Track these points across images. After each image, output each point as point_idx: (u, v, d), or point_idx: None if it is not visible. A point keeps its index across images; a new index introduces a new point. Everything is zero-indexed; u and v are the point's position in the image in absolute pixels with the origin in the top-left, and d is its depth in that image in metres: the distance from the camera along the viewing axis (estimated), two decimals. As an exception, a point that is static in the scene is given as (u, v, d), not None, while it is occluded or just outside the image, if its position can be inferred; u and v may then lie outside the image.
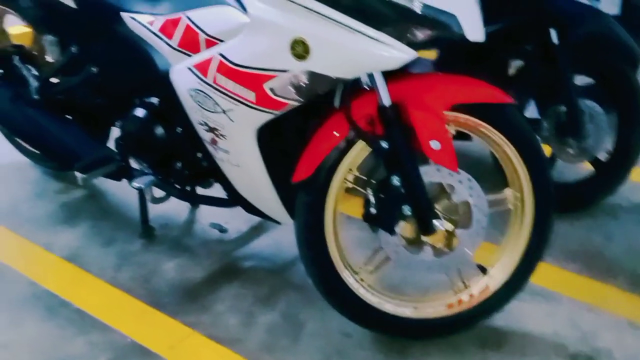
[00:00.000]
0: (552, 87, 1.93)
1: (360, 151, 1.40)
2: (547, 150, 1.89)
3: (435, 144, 1.32)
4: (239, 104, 1.31)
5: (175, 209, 1.92)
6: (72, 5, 1.57)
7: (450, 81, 1.38)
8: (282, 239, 1.88)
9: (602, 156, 2.03)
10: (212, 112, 1.36)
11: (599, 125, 1.96)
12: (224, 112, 1.34)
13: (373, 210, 1.38)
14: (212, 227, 1.94)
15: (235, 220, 1.95)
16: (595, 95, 1.99)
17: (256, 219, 1.72)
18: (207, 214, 1.98)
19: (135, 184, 1.59)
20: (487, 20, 1.30)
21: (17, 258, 1.80)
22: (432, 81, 1.38)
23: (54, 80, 1.79)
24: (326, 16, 1.17)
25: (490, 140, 1.44)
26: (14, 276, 1.73)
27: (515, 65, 2.03)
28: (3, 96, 1.76)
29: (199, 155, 1.54)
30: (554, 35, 1.83)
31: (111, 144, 1.75)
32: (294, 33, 1.18)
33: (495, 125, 1.41)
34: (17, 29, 2.17)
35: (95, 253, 1.83)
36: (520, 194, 1.48)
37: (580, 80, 1.98)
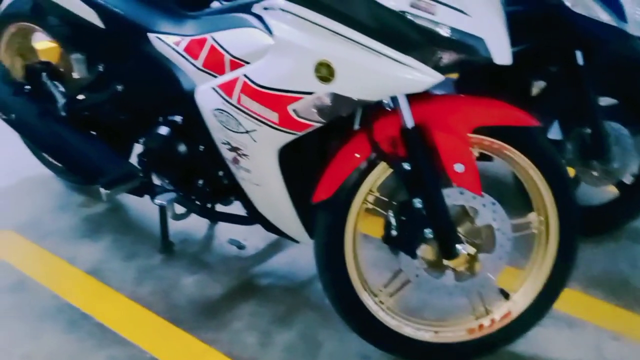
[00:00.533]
0: (576, 109, 1.91)
1: (381, 172, 1.39)
2: (570, 172, 1.87)
3: (459, 167, 1.31)
4: (262, 124, 1.32)
5: (194, 224, 1.93)
6: (101, 25, 1.60)
7: (474, 103, 1.37)
8: (300, 257, 1.88)
9: (627, 179, 1.99)
10: (235, 132, 1.37)
11: (624, 148, 1.93)
12: (247, 132, 1.35)
13: (394, 233, 1.37)
14: (231, 243, 1.94)
15: (253, 237, 1.95)
16: (620, 117, 1.96)
17: (274, 237, 1.72)
18: (226, 230, 1.99)
19: (158, 200, 1.60)
20: (512, 41, 1.29)
21: (40, 271, 1.83)
22: (455, 103, 1.38)
23: (80, 96, 1.83)
24: (352, 39, 1.17)
25: (514, 163, 1.42)
26: (37, 289, 1.75)
27: (538, 85, 2.01)
28: (31, 112, 1.80)
29: (220, 173, 1.55)
30: (579, 56, 1.81)
31: (133, 160, 1.78)
32: (319, 56, 1.19)
33: (520, 148, 1.39)
34: (43, 44, 2.22)
35: (117, 267, 1.85)
36: (544, 218, 1.46)
37: (606, 101, 1.95)
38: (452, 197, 1.37)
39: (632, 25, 1.77)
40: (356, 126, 1.42)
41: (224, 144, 1.43)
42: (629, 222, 2.03)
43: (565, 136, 1.97)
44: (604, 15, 1.72)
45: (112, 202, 2.15)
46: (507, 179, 1.97)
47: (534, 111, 1.90)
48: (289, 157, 1.39)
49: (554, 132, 2.01)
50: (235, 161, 1.44)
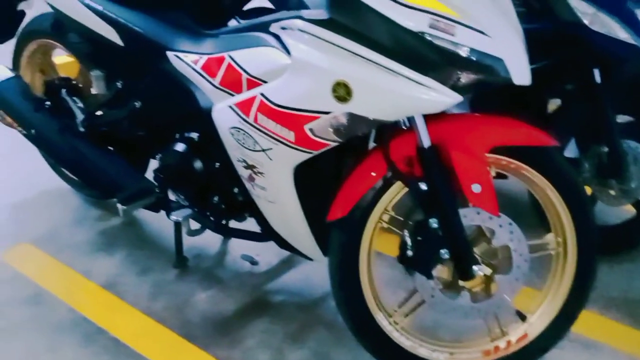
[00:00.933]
0: (593, 127, 1.89)
1: (396, 191, 1.39)
2: (587, 191, 1.85)
3: (476, 187, 1.30)
4: (278, 143, 1.32)
5: (207, 239, 1.93)
6: (120, 43, 1.63)
7: (491, 122, 1.36)
8: (312, 273, 1.87)
9: None
10: (251, 150, 1.38)
11: None
12: (263, 150, 1.36)
13: (409, 253, 1.36)
14: (244, 259, 1.95)
15: (266, 253, 1.95)
16: (638, 135, 1.95)
17: (286, 253, 1.72)
18: (239, 245, 1.99)
19: (174, 217, 1.61)
20: (529, 58, 1.29)
21: (57, 284, 1.84)
22: (472, 122, 1.37)
23: (98, 112, 1.85)
24: (370, 59, 1.17)
25: (532, 183, 1.41)
26: (53, 302, 1.77)
27: (554, 102, 2.00)
28: (51, 128, 1.83)
29: (236, 190, 1.56)
30: (596, 74, 1.80)
31: (149, 175, 1.79)
32: (336, 76, 1.19)
33: (538, 168, 1.38)
34: (62, 58, 2.26)
35: (131, 281, 1.86)
36: (562, 239, 1.45)
37: (623, 119, 1.93)
38: (469, 217, 1.37)
39: (652, 43, 1.76)
40: (370, 145, 1.42)
41: (240, 161, 1.44)
42: (647, 242, 2.01)
43: (582, 154, 1.94)
44: (622, 33, 1.70)
45: (128, 216, 2.16)
46: (522, 196, 1.95)
47: (550, 129, 1.91)
48: (303, 175, 1.39)
49: (571, 150, 2.00)
50: (251, 179, 1.45)
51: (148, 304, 1.76)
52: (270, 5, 2.39)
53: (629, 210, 2.01)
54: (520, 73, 1.19)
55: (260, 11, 2.51)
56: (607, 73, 1.80)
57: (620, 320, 1.70)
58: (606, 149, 1.87)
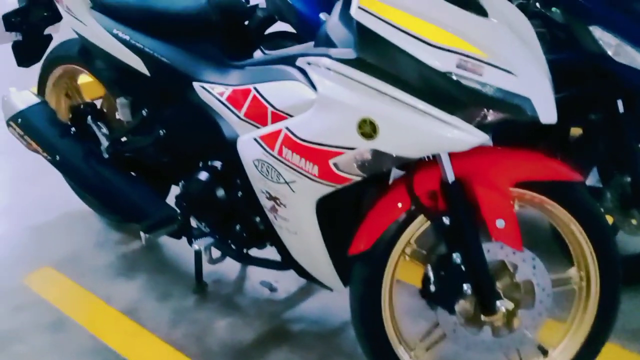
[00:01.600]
0: (616, 157, 1.89)
1: (419, 224, 1.39)
2: (608, 220, 1.83)
3: (500, 223, 1.30)
4: (302, 176, 1.33)
5: (226, 264, 1.93)
6: (146, 73, 1.65)
7: (515, 156, 1.36)
8: (331, 302, 1.87)
9: None
10: (275, 182, 1.39)
11: None
12: (286, 183, 1.36)
13: (432, 288, 1.36)
14: (263, 285, 1.95)
15: (285, 280, 1.95)
16: None
17: (305, 280, 1.73)
18: (258, 271, 1.99)
19: (196, 245, 1.62)
20: (554, 88, 1.29)
21: (79, 310, 1.86)
22: (496, 156, 1.36)
23: (123, 138, 1.88)
24: (396, 98, 1.18)
25: (555, 217, 1.41)
26: (75, 329, 1.78)
27: (575, 131, 1.99)
28: (76, 154, 1.85)
29: (257, 219, 1.57)
30: (620, 104, 1.80)
31: (170, 199, 1.81)
32: (362, 113, 1.20)
33: (562, 203, 1.37)
34: (86, 78, 2.29)
35: (151, 307, 1.87)
36: (585, 273, 1.44)
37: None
38: (492, 251, 1.36)
39: (675, 75, 1.75)
40: (391, 180, 1.43)
41: (263, 192, 1.45)
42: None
43: (605, 184, 1.94)
44: None
45: (150, 243, 2.17)
46: (544, 226, 1.94)
47: (572, 158, 1.91)
48: (325, 207, 1.40)
49: (592, 179, 1.99)
50: (274, 209, 1.46)
51: (168, 331, 1.77)
52: (290, 29, 2.43)
53: None
54: (547, 112, 1.19)
55: (283, 36, 2.54)
56: (631, 103, 1.81)
57: (644, 353, 1.68)
58: (629, 179, 1.86)
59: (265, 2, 2.33)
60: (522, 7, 1.77)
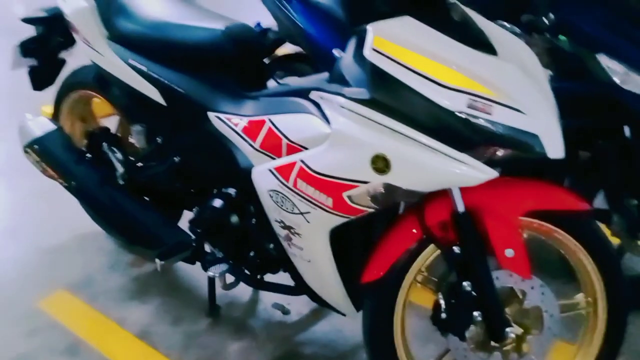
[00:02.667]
0: (624, 181, 1.92)
1: (430, 253, 1.43)
2: (614, 241, 1.86)
3: (509, 252, 1.35)
4: (316, 207, 1.37)
5: (239, 287, 1.96)
6: (162, 102, 1.70)
7: (523, 187, 1.40)
8: (342, 325, 1.89)
9: None
10: (289, 212, 1.42)
11: None
12: (301, 213, 1.40)
13: (443, 315, 1.39)
14: (275, 307, 1.98)
15: (297, 303, 1.98)
16: None
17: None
18: (270, 293, 2.01)
19: (211, 272, 1.65)
20: (562, 116, 1.32)
21: (93, 333, 1.89)
22: (505, 187, 1.39)
23: (138, 164, 1.91)
24: (408, 136, 1.22)
25: (563, 245, 1.44)
26: (90, 352, 1.81)
27: (584, 155, 2.02)
28: (91, 180, 1.89)
29: (271, 245, 1.60)
30: (627, 130, 1.83)
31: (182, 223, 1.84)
32: (375, 149, 1.24)
33: (570, 232, 1.41)
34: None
35: (164, 331, 1.90)
36: (592, 298, 1.47)
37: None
38: (501, 279, 1.40)
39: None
40: (401, 210, 1.46)
41: (278, 222, 1.48)
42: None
43: (612, 207, 1.96)
44: None
45: (165, 269, 2.20)
46: (553, 251, 1.97)
47: (581, 182, 1.93)
48: (338, 236, 1.44)
49: (599, 202, 2.02)
50: (288, 238, 1.49)
51: (180, 354, 1.79)
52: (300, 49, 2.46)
53: None
54: (555, 147, 1.23)
55: (295, 57, 2.57)
56: (638, 129, 1.84)
57: (651, 376, 1.71)
58: (636, 202, 1.89)
59: (278, 26, 2.37)
60: (531, 31, 1.79)
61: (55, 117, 2.25)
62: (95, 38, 1.82)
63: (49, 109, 2.65)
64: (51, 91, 2.25)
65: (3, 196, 2.70)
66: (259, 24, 2.29)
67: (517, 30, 1.53)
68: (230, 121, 1.55)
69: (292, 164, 1.38)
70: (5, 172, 2.80)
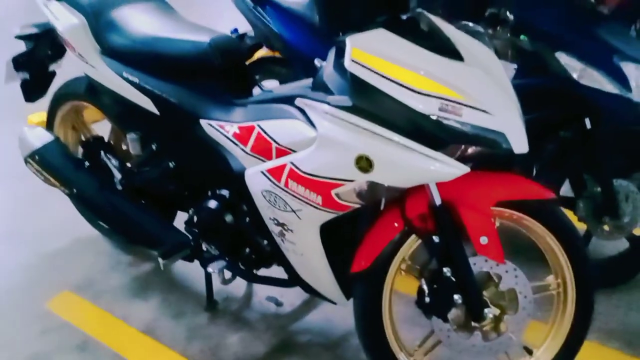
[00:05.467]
0: (587, 169, 2.04)
1: (412, 243, 1.55)
2: (581, 227, 2.00)
3: (483, 239, 1.47)
4: (307, 205, 1.48)
5: (234, 283, 2.08)
6: (156, 112, 1.79)
7: (494, 179, 1.52)
8: (333, 314, 2.02)
9: (638, 232, 2.09)
10: (282, 210, 1.54)
11: (634, 204, 2.04)
12: (293, 211, 1.51)
13: (427, 299, 1.52)
14: (269, 300, 2.10)
15: (289, 295, 2.10)
16: (628, 175, 2.08)
17: (308, 294, 1.87)
18: (264, 287, 2.14)
19: (210, 269, 1.76)
20: (525, 110, 1.44)
21: (100, 330, 2.00)
22: (477, 180, 1.51)
23: (134, 170, 2.01)
24: (388, 138, 1.34)
25: (532, 231, 1.57)
26: (99, 348, 1.92)
27: (549, 146, 2.15)
28: (92, 187, 1.98)
29: (265, 242, 1.71)
30: (587, 121, 1.94)
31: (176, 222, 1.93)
32: (359, 150, 1.35)
33: (537, 219, 1.54)
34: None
35: (167, 325, 2.01)
36: (562, 280, 1.60)
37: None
38: (478, 264, 1.52)
39: (636, 93, 1.91)
40: (382, 205, 1.58)
41: (271, 219, 1.59)
42: (641, 274, 2.14)
43: (577, 194, 2.09)
44: (609, 86, 1.86)
45: (157, 262, 2.31)
46: (524, 238, 2.10)
47: (547, 171, 2.06)
48: (327, 230, 1.55)
49: (567, 190, 2.15)
50: (281, 234, 1.61)
51: (185, 346, 1.91)
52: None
53: (624, 244, 2.13)
54: (520, 143, 1.35)
55: (272, 60, 2.67)
56: (597, 120, 1.94)
57: (620, 349, 1.84)
58: (599, 189, 2.01)
59: (253, 31, 2.46)
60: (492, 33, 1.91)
61: (49, 127, 2.34)
62: (89, 53, 1.90)
63: (35, 117, 2.74)
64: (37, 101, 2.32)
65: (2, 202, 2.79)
66: (235, 30, 2.38)
67: (481, 29, 1.63)
68: (222, 127, 1.65)
69: (283, 166, 1.49)
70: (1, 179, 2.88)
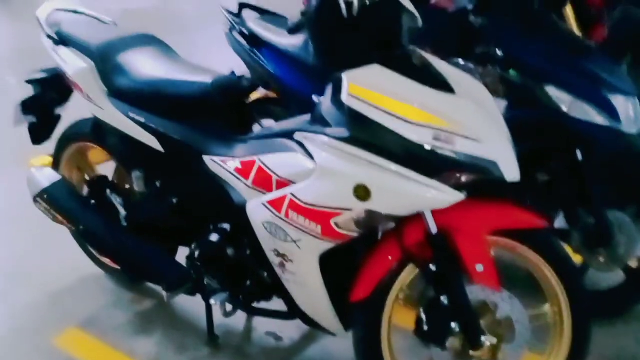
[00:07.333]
0: (580, 200, 2.05)
1: (410, 272, 1.59)
2: (578, 259, 2.02)
3: (479, 267, 1.50)
4: (307, 235, 1.52)
5: (234, 317, 2.08)
6: (161, 149, 1.86)
7: (489, 208, 1.56)
8: (332, 348, 2.02)
9: (633, 263, 2.11)
10: (282, 241, 1.58)
11: (628, 235, 2.05)
12: (293, 241, 1.55)
13: (425, 327, 1.55)
14: (268, 335, 2.11)
15: (288, 329, 2.11)
16: (622, 206, 2.12)
17: (307, 328, 1.88)
18: (263, 321, 2.13)
19: (213, 301, 1.79)
20: (517, 142, 1.49)
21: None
22: (473, 209, 1.55)
23: (137, 207, 2.06)
24: (384, 167, 1.40)
25: (528, 260, 1.60)
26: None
27: (541, 176, 2.19)
28: (98, 224, 2.03)
29: (265, 274, 1.75)
30: (578, 152, 1.97)
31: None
32: (356, 180, 1.41)
33: (532, 247, 1.58)
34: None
35: (171, 359, 2.02)
36: (558, 309, 1.62)
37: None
38: (475, 293, 1.55)
39: (626, 124, 1.96)
40: (380, 234, 1.63)
41: (272, 250, 1.63)
42: (637, 304, 2.14)
43: (571, 226, 2.09)
44: (598, 118, 1.91)
45: (159, 298, 2.34)
46: (521, 266, 2.12)
47: (540, 202, 2.10)
48: (326, 260, 1.59)
49: (560, 222, 2.18)
50: (282, 265, 1.64)
51: (187, 383, 1.92)
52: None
53: (620, 275, 2.13)
54: (511, 171, 1.42)
55: (268, 100, 2.75)
56: (588, 152, 1.98)
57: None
58: (593, 220, 2.03)
59: (250, 73, 2.55)
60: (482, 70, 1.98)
61: (55, 168, 2.40)
62: (97, 95, 1.98)
63: (37, 161, 2.81)
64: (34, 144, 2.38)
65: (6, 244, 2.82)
66: (233, 72, 2.48)
67: (471, 66, 1.72)
68: (224, 163, 1.71)
69: (283, 197, 1.54)
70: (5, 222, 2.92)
